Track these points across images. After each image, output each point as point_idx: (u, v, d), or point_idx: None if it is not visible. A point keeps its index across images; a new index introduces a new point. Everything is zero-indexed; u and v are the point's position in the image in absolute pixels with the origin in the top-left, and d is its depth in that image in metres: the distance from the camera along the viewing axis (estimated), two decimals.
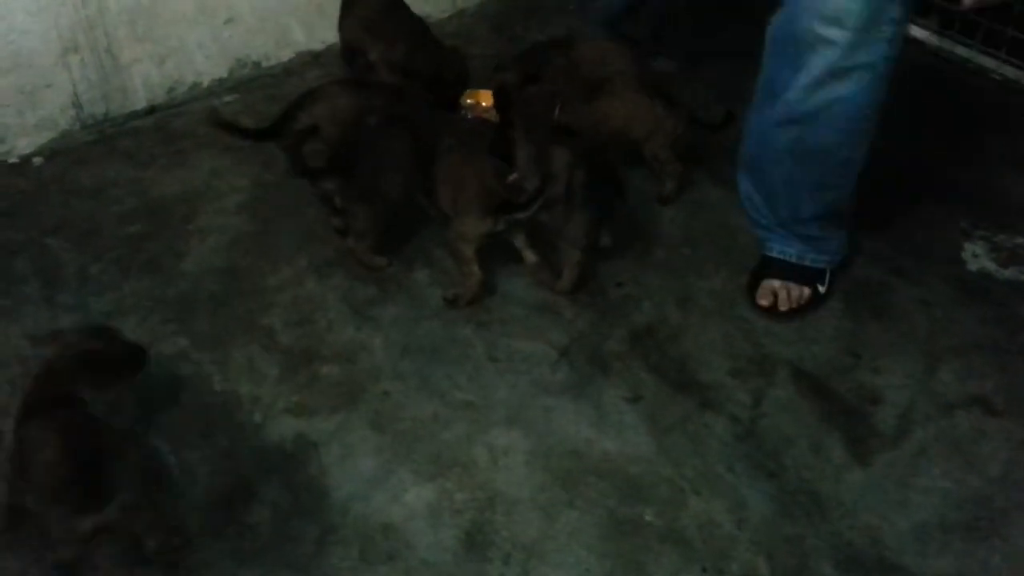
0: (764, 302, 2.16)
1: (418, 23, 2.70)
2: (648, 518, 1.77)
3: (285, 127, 2.36)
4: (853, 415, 1.96)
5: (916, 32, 3.01)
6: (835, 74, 1.85)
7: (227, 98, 2.80)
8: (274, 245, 2.33)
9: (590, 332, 2.13)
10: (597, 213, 2.15)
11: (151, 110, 2.72)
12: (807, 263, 2.16)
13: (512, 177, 2.14)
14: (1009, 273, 2.28)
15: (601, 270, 2.27)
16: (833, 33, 1.80)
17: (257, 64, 2.86)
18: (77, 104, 2.58)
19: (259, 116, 2.71)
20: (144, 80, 2.67)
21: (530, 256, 2.22)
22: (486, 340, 2.11)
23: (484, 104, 2.66)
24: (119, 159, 2.57)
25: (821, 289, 2.19)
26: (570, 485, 1.83)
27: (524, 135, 2.28)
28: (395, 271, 2.26)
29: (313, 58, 2.95)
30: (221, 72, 2.80)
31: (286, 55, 2.91)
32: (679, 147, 2.43)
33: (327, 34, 2.88)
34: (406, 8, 2.69)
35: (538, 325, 2.15)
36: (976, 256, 2.32)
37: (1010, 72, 2.87)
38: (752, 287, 2.20)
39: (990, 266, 2.30)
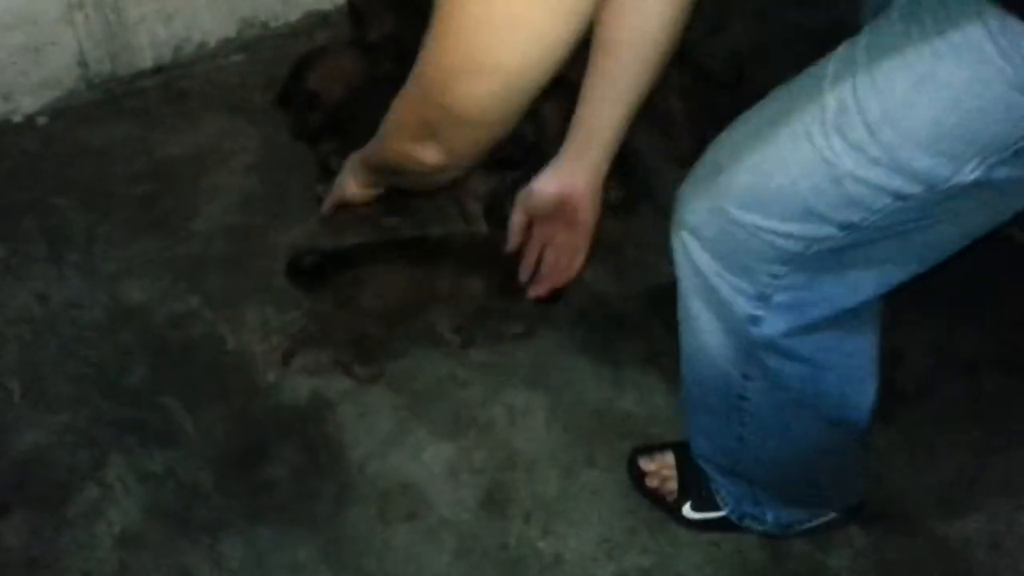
0: None
1: None
2: None
3: (293, 89, 2.33)
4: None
5: None
6: None
7: (235, 58, 2.75)
8: (285, 205, 2.29)
9: (608, 292, 2.10)
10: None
11: (158, 70, 2.66)
12: None
13: None
14: None
15: (617, 229, 2.24)
16: None
17: (265, 24, 2.80)
18: (83, 63, 2.52)
19: (268, 77, 2.68)
20: (150, 39, 2.61)
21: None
22: None
23: None
24: (126, 119, 2.52)
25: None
26: (590, 444, 1.81)
27: None
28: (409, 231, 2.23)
29: (321, 19, 2.89)
30: (228, 32, 2.75)
31: (294, 15, 2.85)
32: (688, 101, 2.37)
33: None
34: None
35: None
36: None
37: None
38: None
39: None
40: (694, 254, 1.26)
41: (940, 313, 2.05)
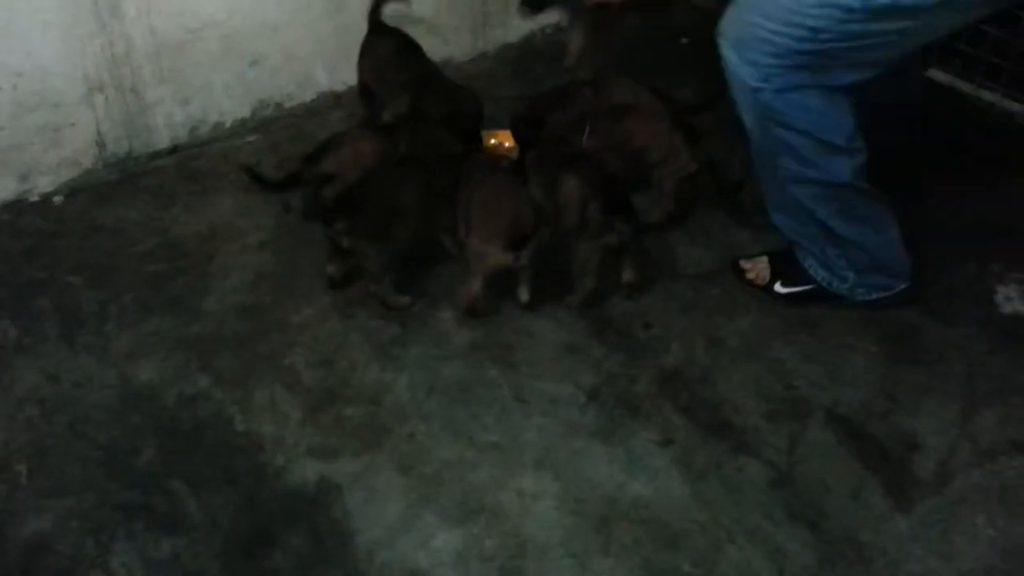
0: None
1: (425, 66, 2.68)
2: (685, 567, 1.71)
3: (308, 171, 2.36)
4: (892, 461, 1.90)
5: (939, 76, 3.01)
6: None
7: (249, 138, 2.80)
8: (297, 284, 2.30)
9: (619, 373, 2.09)
10: (611, 242, 2.15)
11: (173, 149, 2.71)
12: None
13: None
14: None
15: (628, 310, 2.24)
16: None
17: (280, 105, 2.86)
18: (100, 143, 2.57)
19: (281, 155, 2.72)
20: (167, 119, 2.66)
21: (524, 294, 2.19)
22: (513, 381, 2.07)
23: (506, 144, 2.66)
24: (141, 198, 2.56)
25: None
26: (603, 531, 1.78)
27: (536, 165, 2.30)
28: (419, 310, 2.23)
29: (335, 99, 2.95)
30: (244, 112, 2.80)
31: (308, 96, 2.91)
32: (689, 187, 2.43)
33: (349, 76, 2.87)
34: (415, 50, 2.69)
35: (566, 366, 2.11)
36: (1009, 299, 2.28)
37: None
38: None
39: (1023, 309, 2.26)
40: (725, 51, 1.91)
41: (954, 398, 2.03)
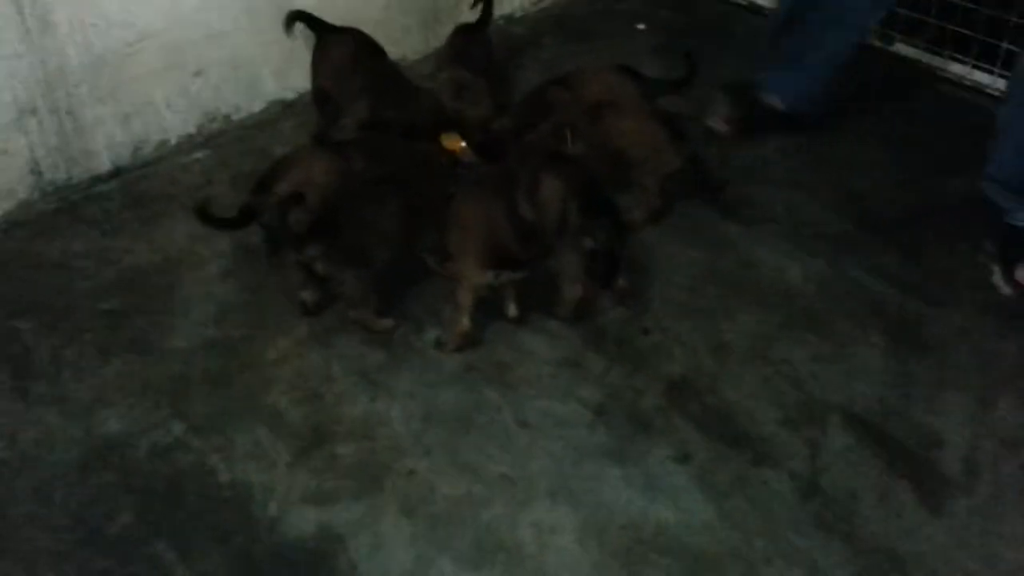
0: None
1: (387, 69, 2.53)
2: None
3: (259, 201, 2.15)
4: (917, 461, 1.84)
5: (906, 51, 2.97)
6: None
7: (197, 154, 2.61)
8: (268, 314, 2.14)
9: (623, 386, 1.98)
10: (595, 246, 2.02)
11: (116, 173, 2.51)
12: None
13: None
14: None
15: (624, 316, 2.13)
16: None
17: (227, 117, 2.68)
18: (36, 170, 2.36)
19: (233, 171, 2.54)
20: (108, 141, 2.46)
21: (512, 310, 2.09)
22: (513, 403, 1.94)
23: (450, 145, 2.52)
24: (86, 228, 2.36)
25: None
26: (630, 563, 1.67)
27: (519, 164, 2.18)
28: (404, 333, 2.09)
29: (285, 108, 2.77)
30: (189, 128, 2.61)
31: (257, 106, 2.73)
32: (670, 183, 2.34)
33: (299, 82, 2.71)
34: (376, 53, 2.54)
35: (567, 383, 1.99)
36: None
37: None
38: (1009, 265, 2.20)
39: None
40: None
41: (969, 389, 1.97)
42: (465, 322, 2.02)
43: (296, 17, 2.56)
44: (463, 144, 2.51)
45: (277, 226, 2.00)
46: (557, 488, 1.79)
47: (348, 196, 2.05)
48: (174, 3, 2.41)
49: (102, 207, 2.42)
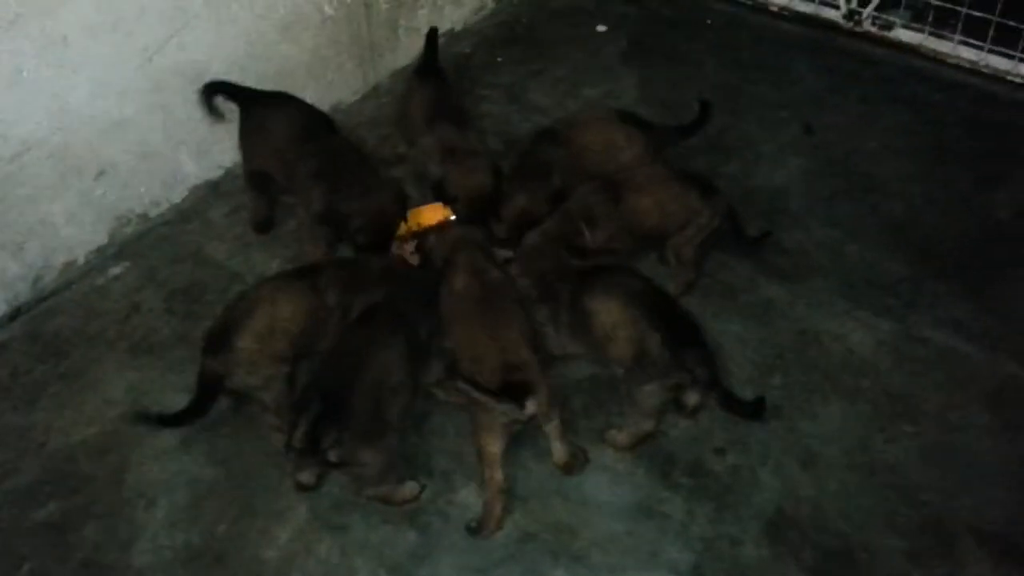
0: None
1: (340, 147, 2.06)
2: None
3: (215, 361, 1.68)
4: None
5: (907, 36, 2.65)
6: None
7: (115, 270, 2.11)
8: (253, 491, 1.70)
9: (715, 536, 1.63)
10: (684, 383, 1.68)
11: (15, 314, 1.99)
12: None
13: None
14: None
15: (689, 432, 1.77)
16: None
17: (144, 216, 2.18)
18: None
19: (164, 287, 2.05)
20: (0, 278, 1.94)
21: (561, 453, 1.70)
22: None
23: (436, 219, 2.10)
24: None
25: None
26: None
27: (543, 290, 1.81)
28: (432, 497, 1.68)
29: (211, 189, 2.28)
30: (99, 239, 2.10)
31: (178, 195, 2.23)
32: (710, 240, 2.01)
33: (223, 157, 2.24)
34: (323, 126, 2.08)
35: (647, 541, 1.63)
36: None
37: None
38: None
39: None
40: None
41: None
42: (497, 477, 1.63)
43: (214, 89, 2.06)
44: (452, 216, 2.09)
45: (291, 432, 1.54)
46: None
47: (344, 355, 1.63)
48: (56, 98, 1.89)
49: (6, 364, 1.91)
